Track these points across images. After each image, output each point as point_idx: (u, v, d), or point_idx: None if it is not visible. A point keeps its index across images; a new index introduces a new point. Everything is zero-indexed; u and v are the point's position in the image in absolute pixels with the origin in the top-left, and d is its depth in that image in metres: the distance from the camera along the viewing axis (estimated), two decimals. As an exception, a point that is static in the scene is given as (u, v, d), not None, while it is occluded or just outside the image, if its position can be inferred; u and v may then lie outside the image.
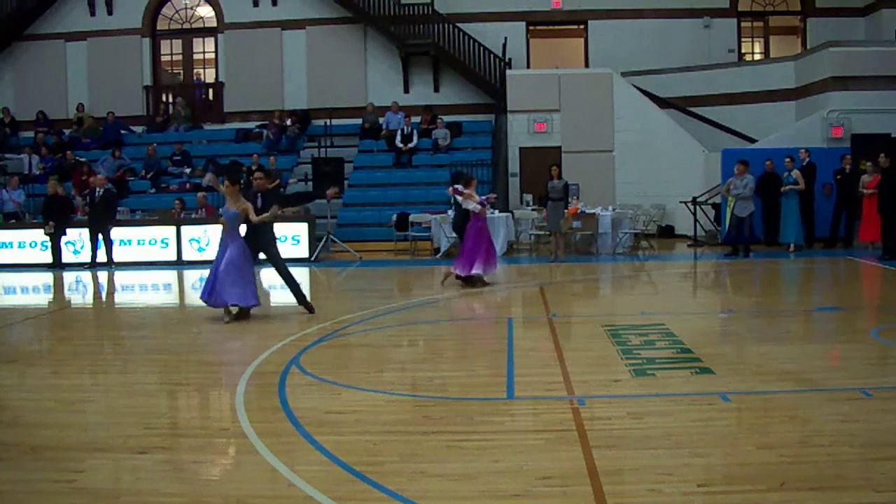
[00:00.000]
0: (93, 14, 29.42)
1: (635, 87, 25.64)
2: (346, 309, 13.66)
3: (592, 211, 20.90)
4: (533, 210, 22.59)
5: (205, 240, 20.91)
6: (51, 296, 17.53)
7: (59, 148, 27.33)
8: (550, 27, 29.28)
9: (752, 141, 24.50)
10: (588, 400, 7.51)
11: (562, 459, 5.99)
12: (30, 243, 21.50)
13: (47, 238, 20.86)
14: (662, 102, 25.94)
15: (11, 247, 21.68)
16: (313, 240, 21.04)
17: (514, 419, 7.19)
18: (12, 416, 7.76)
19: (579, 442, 6.33)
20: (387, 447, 6.37)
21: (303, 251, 20.86)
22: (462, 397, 7.83)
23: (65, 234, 20.94)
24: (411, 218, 21.67)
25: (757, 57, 28.86)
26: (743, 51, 28.88)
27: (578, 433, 6.55)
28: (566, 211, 19.87)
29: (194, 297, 15.86)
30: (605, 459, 5.91)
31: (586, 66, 27.79)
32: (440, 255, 20.61)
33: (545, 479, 5.62)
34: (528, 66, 28.13)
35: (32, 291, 18.13)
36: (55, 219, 20.62)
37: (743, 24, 28.72)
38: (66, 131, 28.67)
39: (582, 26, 28.53)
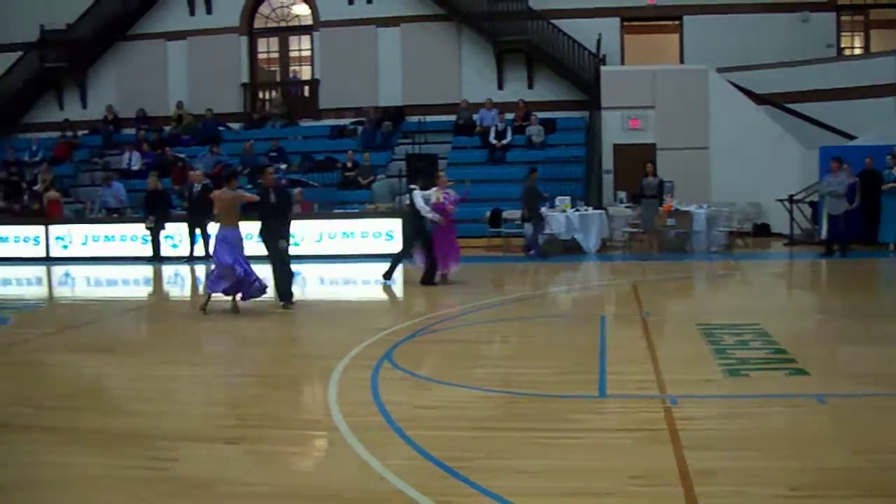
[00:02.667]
0: (192, 14, 30.00)
1: (731, 82, 25.26)
2: (439, 305, 13.75)
3: (687, 209, 20.68)
4: (627, 207, 22.40)
5: (300, 235, 21.15)
6: (150, 288, 17.92)
7: (159, 144, 27.90)
8: (645, 23, 29.00)
9: (852, 138, 23.97)
10: (680, 399, 7.44)
11: (652, 459, 5.95)
12: (131, 237, 22.03)
13: (147, 232, 21.35)
14: (758, 99, 25.51)
15: (114, 240, 22.26)
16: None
17: (606, 417, 7.17)
18: (110, 404, 7.97)
19: (671, 442, 6.28)
20: (477, 443, 6.40)
21: (396, 247, 20.92)
22: (553, 394, 7.82)
23: (164, 228, 21.38)
24: (504, 214, 21.67)
25: (857, 51, 28.22)
26: (842, 45, 28.22)
27: (670, 433, 6.50)
28: (660, 208, 19.71)
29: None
30: (696, 460, 5.85)
31: (681, 61, 27.45)
32: (533, 252, 20.57)
33: (635, 478, 5.59)
34: (623, 63, 27.88)
35: (133, 284, 18.55)
36: (155, 213, 21.07)
37: (842, 17, 28.05)
38: (166, 128, 29.28)
39: (677, 21, 28.20)
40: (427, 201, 15.74)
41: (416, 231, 15.95)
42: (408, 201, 15.92)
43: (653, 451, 6.10)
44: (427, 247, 15.80)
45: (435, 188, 16.10)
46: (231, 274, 12.73)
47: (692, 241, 20.54)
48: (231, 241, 12.88)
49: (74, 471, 6.01)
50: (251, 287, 12.95)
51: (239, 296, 13.02)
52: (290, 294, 13.59)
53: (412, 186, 15.97)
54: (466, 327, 11.82)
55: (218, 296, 12.96)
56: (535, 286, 15.61)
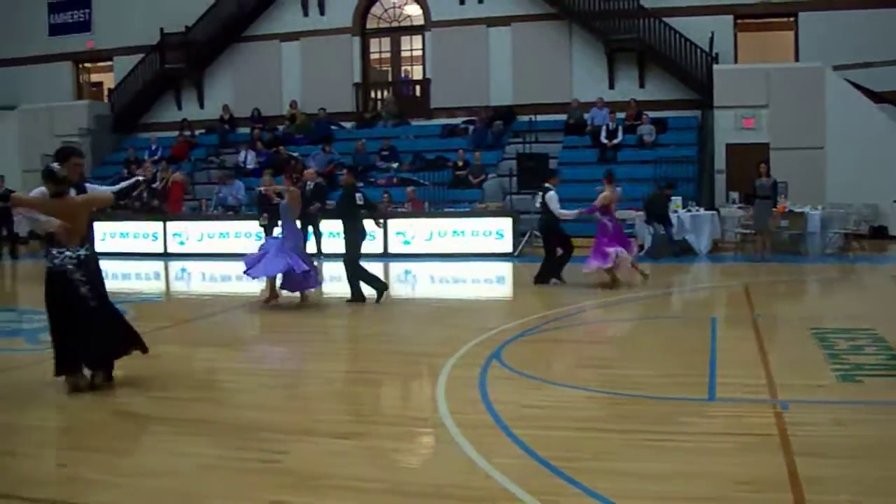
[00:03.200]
0: (306, 14, 30.49)
1: (848, 81, 24.66)
2: (548, 304, 13.74)
3: (801, 210, 20.32)
4: (739, 208, 22.08)
5: (410, 233, 21.34)
6: (262, 284, 18.24)
7: (273, 143, 28.40)
8: (759, 20, 28.52)
9: (976, 137, 23.23)
10: (791, 405, 7.30)
11: (761, 465, 5.86)
12: (245, 234, 22.49)
13: (261, 230, 21.73)
14: (877, 97, 24.84)
15: (228, 237, 22.77)
16: (517, 235, 21.18)
17: (714, 421, 7.08)
18: (224, 396, 8.18)
19: (781, 448, 6.17)
20: (583, 443, 6.39)
21: (506, 246, 21.03)
22: (661, 396, 7.77)
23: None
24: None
25: (982, 48, 27.28)
26: (966, 42, 27.32)
27: (780, 438, 6.39)
28: (774, 209, 19.40)
29: (400, 289, 16.31)
30: (807, 467, 5.73)
31: (796, 59, 26.88)
32: (644, 251, 20.41)
33: (743, 483, 5.51)
34: (736, 61, 27.40)
35: (246, 280, 18.90)
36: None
37: (968, 12, 27.19)
38: (280, 127, 29.81)
39: (792, 18, 27.58)
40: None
41: (549, 230, 15.89)
42: (541, 201, 15.83)
43: (762, 457, 6.01)
44: (553, 247, 15.76)
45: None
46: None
47: (806, 243, 20.14)
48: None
49: (189, 460, 6.19)
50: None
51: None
52: (354, 292, 14.17)
53: (547, 186, 15.86)
54: (575, 327, 11.82)
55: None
56: (645, 287, 15.47)
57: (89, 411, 7.61)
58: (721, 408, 7.47)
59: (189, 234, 23.22)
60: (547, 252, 15.98)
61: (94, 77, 36.24)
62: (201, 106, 31.83)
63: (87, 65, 35.26)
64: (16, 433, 7.07)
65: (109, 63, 33.71)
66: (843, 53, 25.34)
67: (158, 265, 21.76)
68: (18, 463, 6.27)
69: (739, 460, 5.97)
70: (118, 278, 19.35)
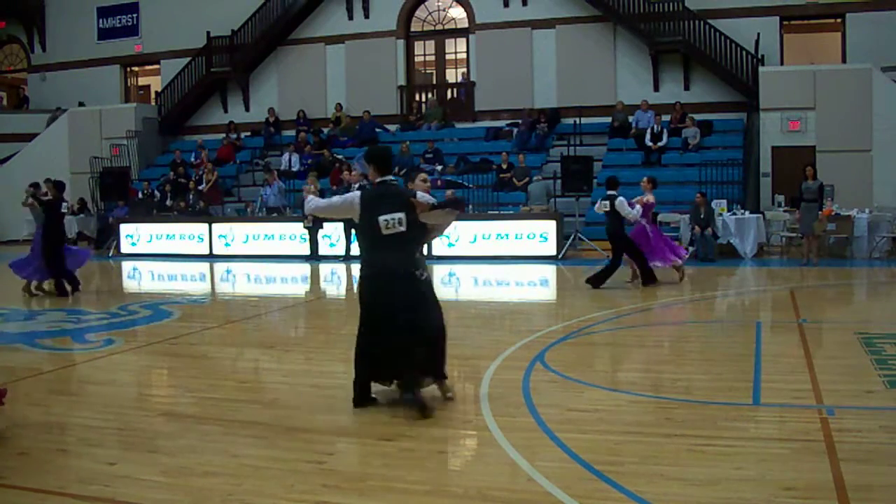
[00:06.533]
0: (350, 18, 30.69)
1: (896, 82, 24.43)
2: (592, 307, 13.70)
3: (847, 213, 20.14)
4: (785, 211, 21.94)
5: (454, 235, 21.35)
6: (307, 286, 18.38)
7: (319, 146, 28.57)
8: (805, 21, 28.28)
9: None
10: (838, 410, 7.24)
11: (807, 471, 5.81)
12: (290, 236, 22.69)
13: (306, 231, 21.94)
14: (926, 99, 24.58)
15: (273, 238, 22.94)
16: (561, 237, 21.15)
17: (759, 426, 7.05)
18: (270, 398, 8.23)
19: (827, 454, 6.11)
20: (627, 447, 6.38)
21: (550, 249, 21.01)
22: (706, 401, 7.71)
23: (322, 227, 21.91)
24: (660, 217, 21.44)
25: None
26: None
27: (826, 444, 6.32)
28: (820, 213, 19.24)
29: (444, 292, 16.32)
30: (853, 474, 5.67)
31: (843, 61, 26.61)
32: (688, 255, 20.30)
33: (789, 489, 5.47)
34: (782, 63, 27.20)
35: (291, 281, 19.06)
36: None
37: None
38: (325, 130, 29.98)
39: (839, 20, 27.35)
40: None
41: (614, 236, 15.76)
42: (606, 208, 15.65)
43: (808, 463, 5.96)
44: (633, 250, 15.67)
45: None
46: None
47: (853, 246, 19.99)
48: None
49: (236, 461, 6.25)
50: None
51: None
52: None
53: (611, 193, 15.57)
54: (620, 330, 11.79)
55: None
56: (689, 290, 15.41)
57: (139, 411, 7.72)
58: (766, 412, 7.43)
59: (234, 235, 23.41)
60: (615, 255, 15.77)
61: (142, 80, 36.78)
62: (247, 109, 32.13)
63: (134, 68, 35.77)
64: (67, 431, 7.18)
65: (157, 66, 34.20)
66: (891, 54, 25.08)
67: (204, 267, 21.96)
68: (69, 460, 6.38)
69: (785, 466, 5.93)
70: (164, 279, 19.56)
